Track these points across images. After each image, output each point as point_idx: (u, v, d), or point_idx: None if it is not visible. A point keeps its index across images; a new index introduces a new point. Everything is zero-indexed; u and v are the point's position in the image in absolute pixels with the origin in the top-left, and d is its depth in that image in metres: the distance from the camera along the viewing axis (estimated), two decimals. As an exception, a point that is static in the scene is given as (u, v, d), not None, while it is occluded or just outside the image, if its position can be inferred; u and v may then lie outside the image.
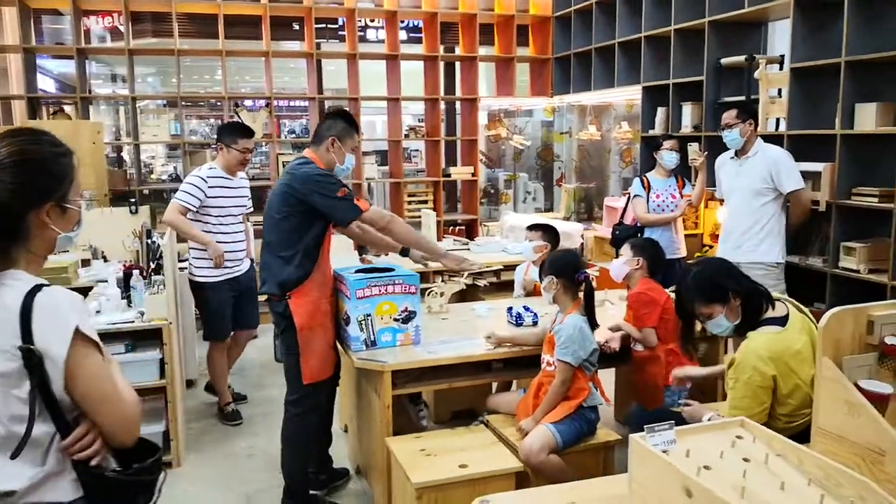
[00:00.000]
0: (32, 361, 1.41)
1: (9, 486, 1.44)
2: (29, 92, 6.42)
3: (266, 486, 3.62)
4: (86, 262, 4.82)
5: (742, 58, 5.07)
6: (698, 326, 2.93)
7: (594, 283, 4.13)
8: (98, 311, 3.77)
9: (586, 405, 2.95)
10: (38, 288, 1.45)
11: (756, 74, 4.83)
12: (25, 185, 1.47)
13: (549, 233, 4.24)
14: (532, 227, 4.29)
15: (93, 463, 1.51)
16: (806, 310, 2.75)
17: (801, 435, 2.45)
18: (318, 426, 3.48)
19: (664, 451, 1.77)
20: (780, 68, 4.97)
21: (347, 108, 7.43)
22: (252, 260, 4.57)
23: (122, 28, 6.74)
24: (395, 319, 3.20)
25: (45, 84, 9.95)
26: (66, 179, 1.54)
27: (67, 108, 7.01)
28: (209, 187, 4.22)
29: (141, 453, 1.62)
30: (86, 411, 1.49)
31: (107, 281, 4.01)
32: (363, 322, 3.15)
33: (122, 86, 12.31)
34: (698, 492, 1.58)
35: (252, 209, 4.69)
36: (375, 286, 3.15)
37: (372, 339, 3.18)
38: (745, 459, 1.78)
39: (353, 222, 3.23)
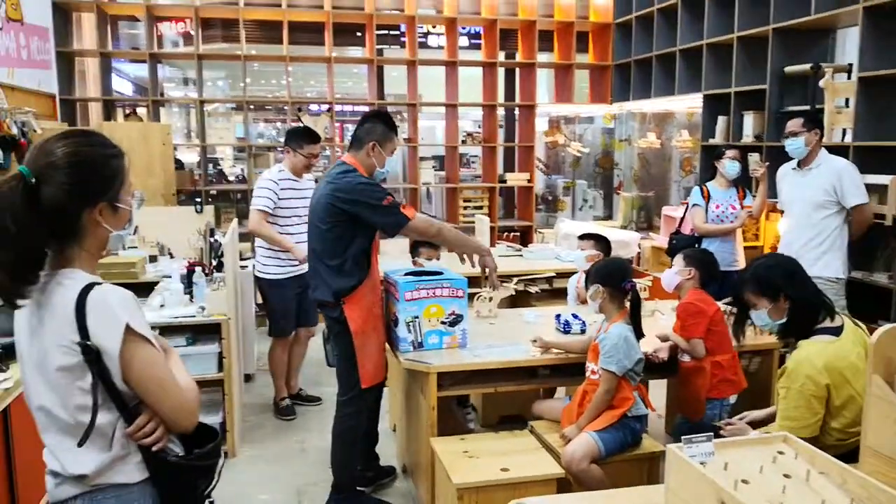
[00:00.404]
0: (91, 356, 1.48)
1: (80, 471, 1.53)
2: (104, 94, 6.72)
3: (316, 480, 3.71)
4: (153, 259, 5.02)
5: (807, 66, 4.94)
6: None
7: (646, 293, 4.11)
8: (162, 305, 3.94)
9: (630, 415, 2.94)
10: (90, 286, 1.51)
11: (821, 83, 4.71)
12: (79, 185, 1.51)
13: (601, 242, 4.23)
14: (584, 237, 4.28)
15: (155, 448, 1.58)
16: (862, 325, 2.68)
17: (853, 455, 2.40)
18: (366, 426, 3.53)
19: (701, 463, 1.76)
20: (848, 77, 4.83)
21: (397, 112, 7.53)
22: None
23: (193, 33, 6.99)
24: (443, 322, 3.23)
25: (122, 87, 10.35)
26: (118, 180, 1.59)
27: (140, 111, 7.29)
28: (280, 189, 4.39)
29: (202, 439, 1.69)
30: (145, 400, 1.56)
31: (171, 277, 4.18)
32: (411, 324, 3.19)
33: (192, 89, 12.71)
34: (733, 505, 1.57)
35: None
36: (424, 289, 3.19)
37: (419, 340, 3.22)
38: (786, 475, 1.75)
39: (400, 230, 3.21)
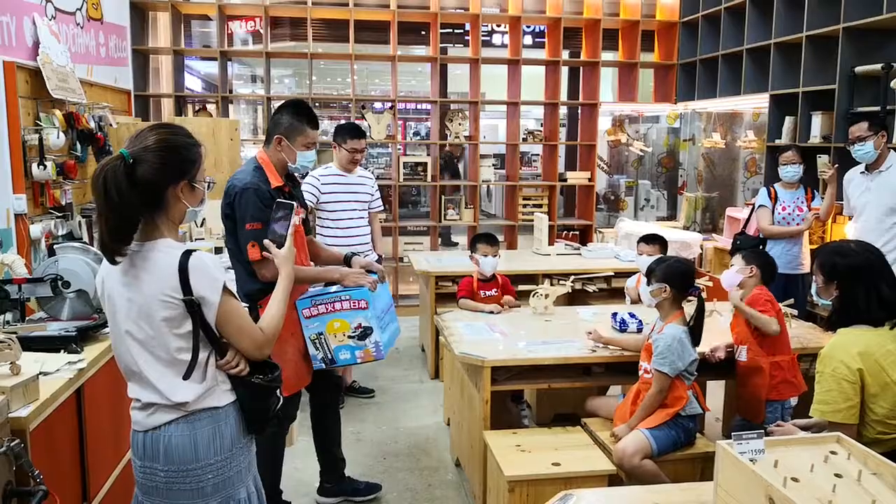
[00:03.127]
0: (194, 308, 1.85)
1: (183, 398, 1.89)
2: (176, 91, 6.97)
3: (370, 471, 3.80)
4: (218, 250, 5.18)
5: (878, 66, 4.80)
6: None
7: (705, 294, 4.07)
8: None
9: (684, 413, 2.93)
10: (189, 252, 1.87)
11: (892, 84, 4.57)
12: (167, 165, 1.86)
13: (662, 244, 4.20)
14: (644, 239, 4.24)
15: (241, 375, 1.98)
16: None
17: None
18: (281, 439, 3.25)
19: (751, 460, 1.77)
20: (922, 77, 4.68)
21: (459, 109, 7.59)
22: (380, 256, 4.75)
23: (262, 32, 7.19)
24: (350, 336, 2.99)
25: (193, 84, 10.70)
26: (196, 164, 1.94)
27: (209, 107, 7.53)
28: (322, 184, 4.50)
29: (267, 370, 2.07)
30: (229, 339, 1.95)
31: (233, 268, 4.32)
32: (316, 341, 3.01)
33: (260, 86, 13.05)
34: (781, 502, 1.58)
35: (382, 207, 4.92)
36: (322, 304, 2.98)
37: (330, 356, 3.03)
38: (837, 475, 1.75)
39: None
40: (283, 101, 3.15)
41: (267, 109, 7.26)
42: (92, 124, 4.39)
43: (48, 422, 2.28)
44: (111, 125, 4.74)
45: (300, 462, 3.92)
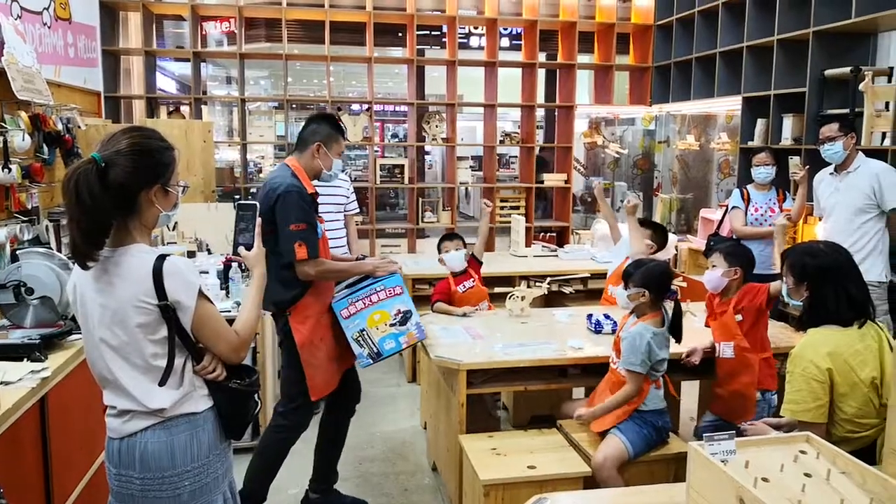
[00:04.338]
0: (169, 313, 1.84)
1: (159, 405, 1.88)
2: (148, 92, 6.88)
3: (346, 476, 3.76)
4: (191, 254, 5.13)
5: (847, 69, 4.87)
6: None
7: (679, 295, 4.09)
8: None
9: (646, 409, 2.95)
10: (163, 257, 1.86)
11: (861, 87, 4.63)
12: (140, 169, 1.85)
13: (660, 234, 4.20)
14: (644, 224, 4.23)
15: (217, 380, 1.98)
16: (881, 325, 2.66)
17: (870, 450, 2.39)
18: (289, 446, 3.26)
19: (723, 461, 1.77)
20: (889, 81, 4.75)
21: (436, 111, 7.58)
22: (358, 258, 4.71)
23: (237, 33, 7.12)
24: (392, 325, 3.12)
25: (168, 85, 10.58)
26: (170, 168, 1.93)
27: (183, 108, 7.45)
28: None
29: (244, 374, 2.07)
30: (205, 344, 1.95)
31: (208, 272, 4.27)
32: (360, 339, 3.10)
33: (235, 87, 12.95)
34: (751, 502, 1.58)
35: (358, 210, 4.89)
36: (358, 300, 3.10)
37: (376, 350, 3.11)
38: (807, 475, 1.76)
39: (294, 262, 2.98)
40: (316, 112, 3.35)
41: (241, 111, 7.19)
42: (59, 126, 4.30)
43: (10, 433, 2.23)
44: (80, 127, 4.66)
45: (275, 467, 3.87)
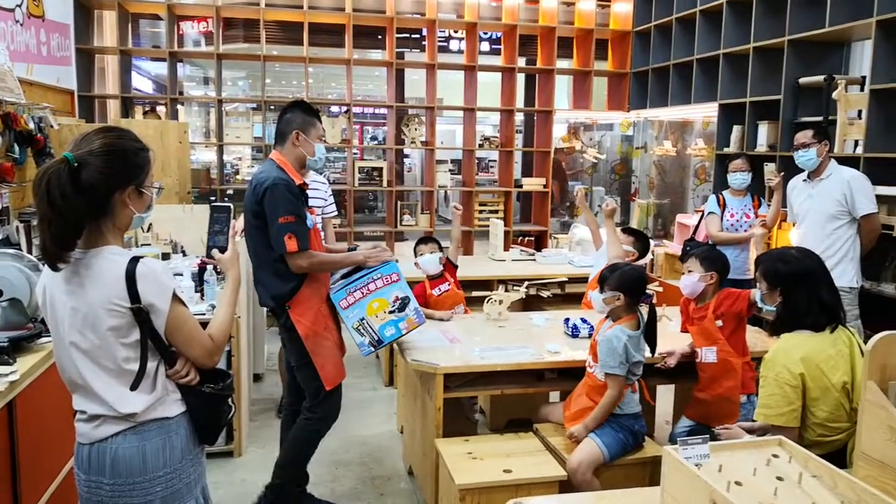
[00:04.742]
0: (142, 316, 1.81)
1: (131, 409, 1.85)
2: (123, 92, 6.80)
3: (318, 480, 3.73)
4: (166, 256, 5.07)
5: (821, 78, 4.95)
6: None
7: (654, 300, 4.11)
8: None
9: (621, 412, 2.97)
10: (136, 259, 1.82)
11: (835, 95, 4.71)
12: (113, 170, 1.81)
13: (641, 241, 4.22)
14: (624, 231, 4.25)
15: (190, 385, 1.95)
16: (852, 329, 2.70)
17: (841, 454, 2.42)
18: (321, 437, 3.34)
19: (696, 465, 1.78)
20: (861, 89, 4.83)
21: (415, 115, 7.58)
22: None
23: (214, 33, 7.07)
24: (391, 312, 3.15)
25: (144, 85, 10.48)
26: (144, 170, 1.90)
27: (159, 109, 7.38)
28: None
29: (218, 378, 2.04)
30: (178, 348, 1.92)
31: (182, 274, 4.23)
32: (360, 327, 3.13)
33: (212, 88, 12.88)
34: (724, 506, 1.59)
35: (335, 213, 4.86)
36: (356, 290, 3.13)
37: (376, 338, 3.15)
38: (779, 478, 1.77)
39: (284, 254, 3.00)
40: (288, 102, 3.27)
41: (219, 112, 7.14)
42: (31, 125, 4.24)
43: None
44: (52, 126, 4.60)
45: (248, 474, 3.84)
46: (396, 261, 3.29)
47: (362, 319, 3.12)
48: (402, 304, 3.17)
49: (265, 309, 5.44)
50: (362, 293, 3.12)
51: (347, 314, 3.11)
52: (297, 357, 3.16)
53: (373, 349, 3.17)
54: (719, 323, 3.22)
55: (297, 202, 2.99)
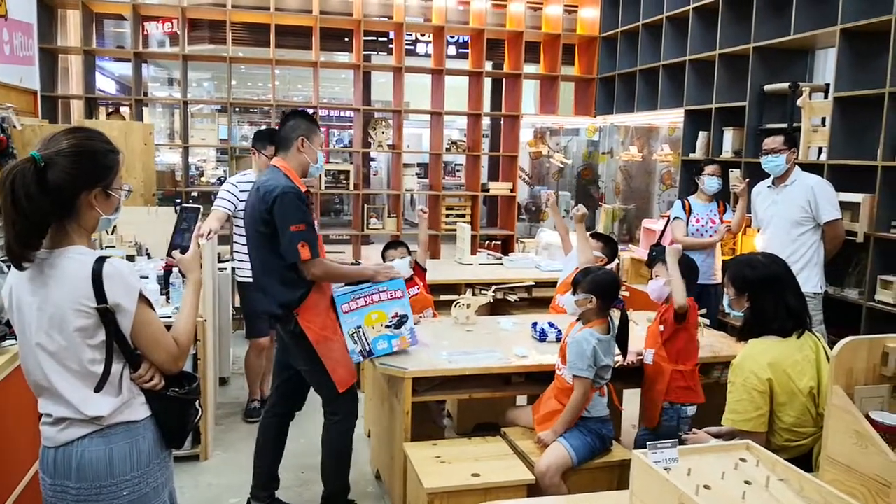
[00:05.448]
0: (108, 317, 1.79)
1: (97, 413, 1.82)
2: (87, 92, 6.67)
3: (287, 484, 3.68)
4: (130, 258, 4.98)
5: (786, 85, 5.03)
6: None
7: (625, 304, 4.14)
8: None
9: (589, 416, 2.98)
10: (102, 259, 1.80)
11: (799, 102, 4.79)
12: (81, 171, 1.79)
13: (609, 246, 4.24)
14: (594, 236, 4.28)
15: (155, 389, 1.93)
16: (818, 335, 2.74)
17: (807, 458, 2.46)
18: (351, 436, 3.36)
19: (665, 469, 1.79)
20: (825, 97, 4.92)
21: (382, 118, 7.56)
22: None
23: (179, 34, 6.97)
24: (388, 326, 3.18)
25: (107, 85, 10.31)
26: (113, 171, 1.88)
27: (123, 110, 7.25)
28: (240, 191, 4.36)
29: (184, 382, 2.02)
30: (144, 352, 1.90)
31: (148, 277, 4.15)
32: (355, 334, 3.14)
33: (177, 89, 12.70)
34: (694, 509, 1.60)
35: None
36: (360, 297, 3.15)
37: (368, 348, 3.17)
38: (747, 482, 1.79)
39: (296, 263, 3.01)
40: (290, 110, 3.33)
41: (184, 113, 7.04)
42: (-7, 125, 4.15)
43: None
44: (15, 127, 4.50)
45: (214, 478, 3.78)
46: (404, 280, 3.33)
47: (359, 328, 3.15)
48: (400, 322, 3.21)
49: (232, 311, 5.40)
50: (365, 301, 3.16)
51: (347, 319, 3.13)
52: (306, 363, 3.15)
53: (362, 359, 3.21)
54: (661, 328, 3.26)
55: (306, 210, 3.03)
